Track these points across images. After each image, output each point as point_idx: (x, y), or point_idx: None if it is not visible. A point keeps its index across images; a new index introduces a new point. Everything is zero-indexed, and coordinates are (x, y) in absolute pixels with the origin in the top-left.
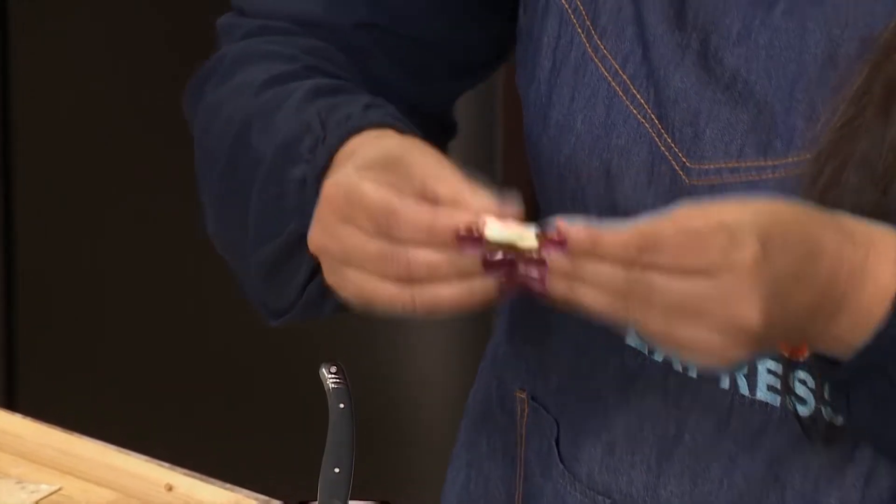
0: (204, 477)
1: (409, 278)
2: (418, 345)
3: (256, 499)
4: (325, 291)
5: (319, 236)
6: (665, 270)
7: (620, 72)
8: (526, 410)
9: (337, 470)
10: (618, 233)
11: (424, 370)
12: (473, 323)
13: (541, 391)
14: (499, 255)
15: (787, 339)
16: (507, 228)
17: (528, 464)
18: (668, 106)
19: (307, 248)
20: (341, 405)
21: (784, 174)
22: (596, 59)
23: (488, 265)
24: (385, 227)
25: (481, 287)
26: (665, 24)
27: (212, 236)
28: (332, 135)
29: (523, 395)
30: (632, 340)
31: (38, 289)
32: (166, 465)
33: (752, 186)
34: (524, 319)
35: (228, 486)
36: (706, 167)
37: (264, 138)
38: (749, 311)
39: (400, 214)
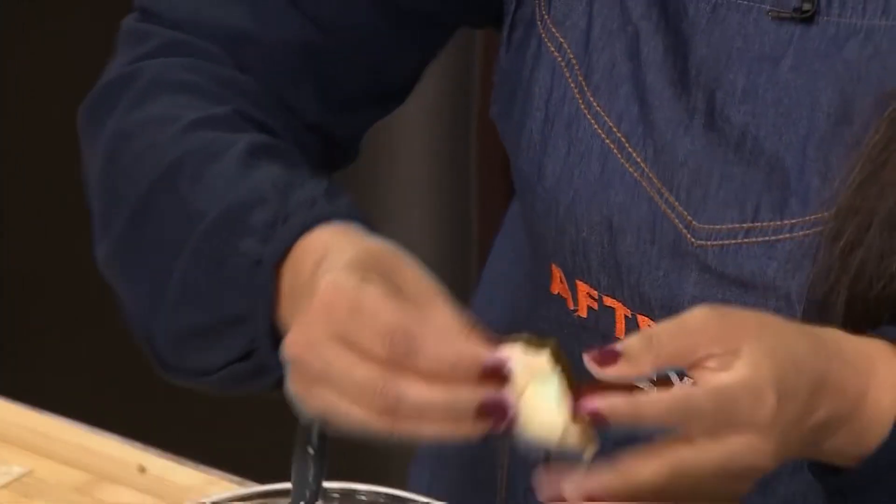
0: (177, 458)
1: (393, 413)
2: None
3: (230, 480)
4: (254, 375)
5: (301, 346)
6: (696, 436)
7: (615, 129)
8: None
9: (311, 451)
10: (654, 404)
11: None
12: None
13: None
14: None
15: (791, 458)
16: (530, 371)
17: (512, 477)
18: (676, 168)
19: (250, 330)
20: None
21: (801, 235)
22: (589, 116)
23: (483, 410)
24: (401, 353)
25: (468, 430)
26: (670, 87)
27: (101, 262)
28: (296, 217)
29: None
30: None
31: (12, 268)
32: (139, 445)
33: (768, 248)
34: None
35: (202, 467)
36: (718, 228)
37: (201, 192)
38: (764, 460)
39: (419, 341)
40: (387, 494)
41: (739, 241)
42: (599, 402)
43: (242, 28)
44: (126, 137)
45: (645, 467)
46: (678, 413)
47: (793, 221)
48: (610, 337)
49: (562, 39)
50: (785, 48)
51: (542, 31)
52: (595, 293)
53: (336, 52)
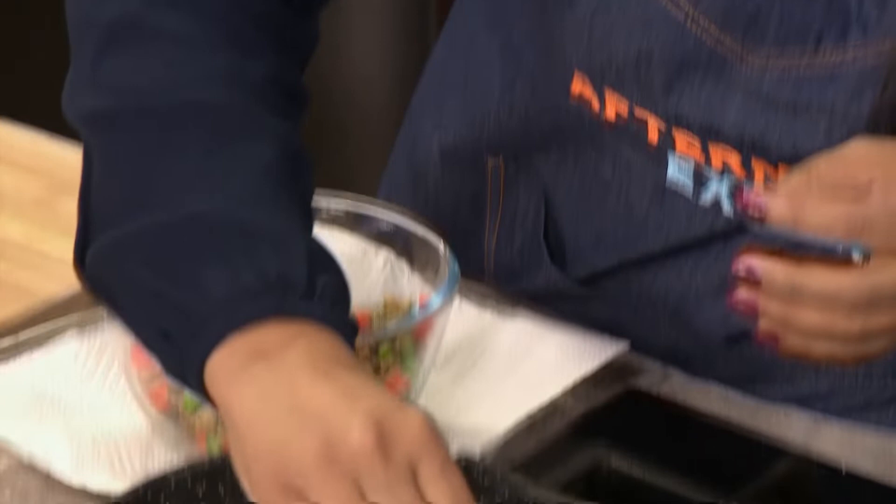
0: None
1: None
2: (358, 42)
3: None
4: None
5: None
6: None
7: None
8: (502, 175)
9: None
10: (828, 213)
11: (366, 65)
12: (409, 30)
13: (529, 164)
14: None
15: None
16: None
17: (507, 227)
18: (732, 10)
19: (184, 332)
20: None
21: (863, 65)
22: None
23: None
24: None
25: None
26: None
27: (79, 109)
28: (308, 303)
29: (498, 162)
30: (674, 176)
31: None
32: None
33: (829, 75)
34: (525, 147)
35: None
36: (777, 60)
37: (215, 169)
38: None
39: None
40: (348, 207)
41: (802, 65)
42: (763, 197)
43: None
44: (138, 26)
45: (844, 285)
46: (854, 226)
47: (855, 47)
48: (643, 142)
49: None
50: None
51: None
52: (626, 104)
53: None
